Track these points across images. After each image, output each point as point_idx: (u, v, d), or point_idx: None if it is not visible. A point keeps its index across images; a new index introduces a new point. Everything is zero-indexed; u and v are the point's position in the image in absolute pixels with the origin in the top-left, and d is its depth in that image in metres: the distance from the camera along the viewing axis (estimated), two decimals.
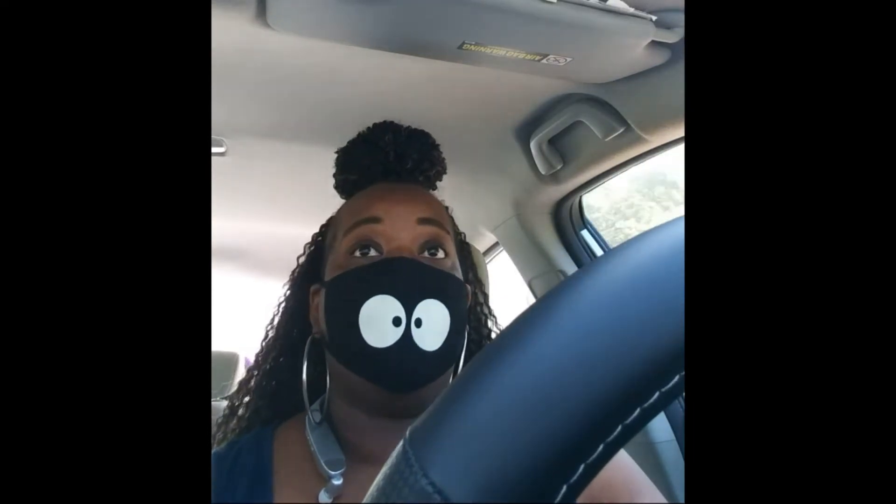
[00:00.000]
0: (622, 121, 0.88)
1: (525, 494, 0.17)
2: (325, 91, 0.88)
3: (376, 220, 0.58)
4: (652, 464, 1.08)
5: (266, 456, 0.59)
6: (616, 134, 0.90)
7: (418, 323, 0.54)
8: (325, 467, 0.55)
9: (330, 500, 0.54)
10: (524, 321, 0.20)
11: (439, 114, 0.95)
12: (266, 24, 0.66)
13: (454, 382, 0.20)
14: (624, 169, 1.04)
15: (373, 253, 0.58)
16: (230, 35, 0.70)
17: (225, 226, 1.53)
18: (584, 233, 1.25)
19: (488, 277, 1.00)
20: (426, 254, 0.59)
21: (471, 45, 0.68)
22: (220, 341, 2.12)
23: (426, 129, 0.69)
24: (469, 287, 0.65)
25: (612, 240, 1.33)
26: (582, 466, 0.17)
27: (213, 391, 1.47)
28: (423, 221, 0.59)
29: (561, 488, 0.17)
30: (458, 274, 0.61)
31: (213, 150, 1.05)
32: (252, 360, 0.69)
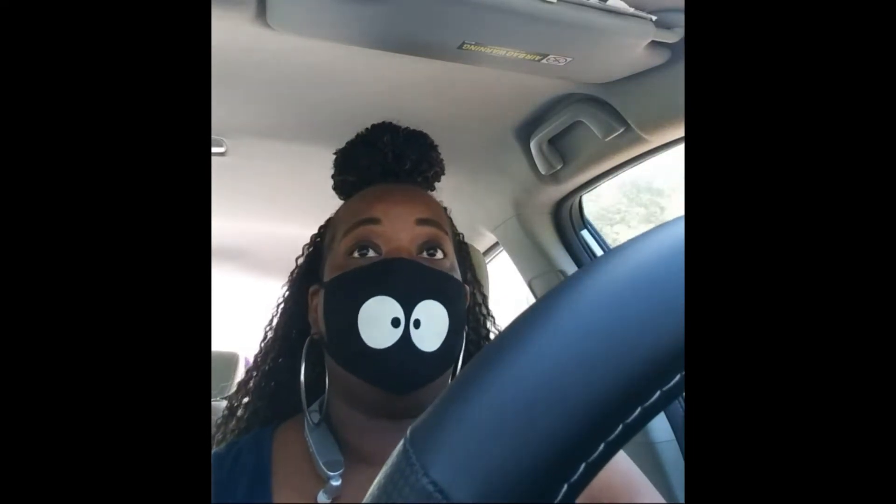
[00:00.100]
0: (622, 121, 0.88)
1: (526, 493, 0.17)
2: (325, 91, 0.88)
3: (375, 221, 0.58)
4: (652, 464, 1.08)
5: (265, 456, 0.59)
6: (616, 134, 0.90)
7: (417, 324, 0.54)
8: (324, 468, 0.55)
9: (328, 501, 0.54)
10: (524, 321, 0.20)
11: (439, 114, 0.95)
12: (266, 24, 0.66)
13: (455, 382, 0.20)
14: (624, 169, 1.04)
15: (372, 254, 0.58)
16: (230, 35, 0.70)
17: (225, 226, 1.53)
18: (584, 233, 1.26)
19: (488, 278, 1.00)
20: (425, 254, 0.59)
21: (471, 45, 0.68)
22: (220, 341, 2.12)
23: (426, 129, 0.69)
24: (468, 287, 0.65)
25: None
26: (583, 466, 0.18)
27: (213, 391, 1.47)
28: (422, 222, 0.59)
29: (562, 487, 0.17)
30: (457, 274, 0.61)
31: (213, 150, 1.05)
32: (252, 360, 0.69)
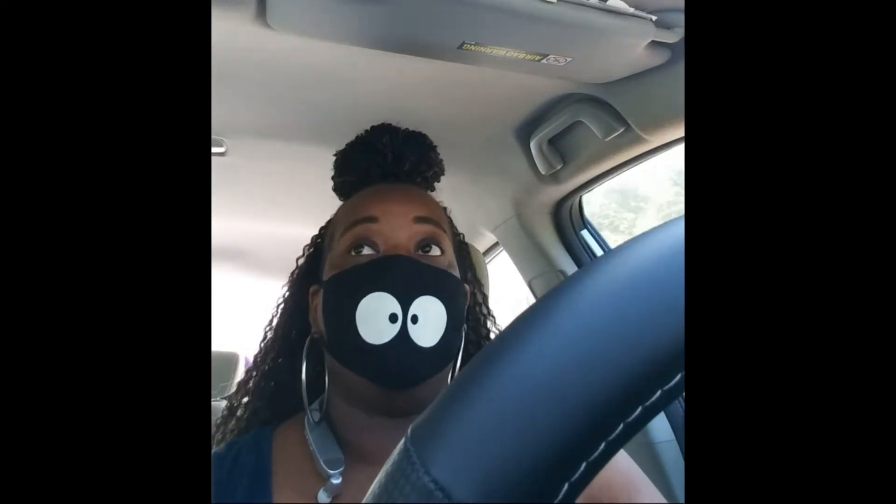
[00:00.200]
0: (622, 121, 0.88)
1: (526, 492, 0.17)
2: (325, 91, 0.88)
3: (373, 219, 0.58)
4: (652, 464, 1.08)
5: (265, 456, 0.59)
6: (616, 134, 0.90)
7: (414, 319, 0.54)
8: (325, 467, 0.55)
9: (329, 500, 0.54)
10: (525, 321, 0.20)
11: (439, 114, 0.95)
12: (266, 24, 0.66)
13: (455, 380, 0.20)
14: (624, 169, 1.04)
15: (370, 252, 0.58)
16: (230, 35, 0.70)
17: (225, 226, 1.53)
18: (584, 233, 1.26)
19: (488, 278, 1.00)
20: (422, 252, 0.59)
21: (471, 45, 0.68)
22: (220, 341, 2.12)
23: (426, 129, 0.70)
24: (468, 286, 0.65)
25: None
26: (583, 465, 0.18)
27: (213, 391, 1.47)
28: (420, 220, 0.59)
29: (562, 486, 0.17)
30: (456, 272, 0.61)
31: (213, 150, 1.05)
32: (251, 360, 0.69)
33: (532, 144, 1.03)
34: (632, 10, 0.66)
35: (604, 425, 0.18)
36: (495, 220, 1.28)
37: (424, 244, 0.59)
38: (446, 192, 0.70)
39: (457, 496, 0.17)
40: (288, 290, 0.68)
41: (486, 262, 1.29)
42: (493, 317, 0.72)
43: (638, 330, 0.18)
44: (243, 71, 0.81)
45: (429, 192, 0.67)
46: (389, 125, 0.68)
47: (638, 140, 0.91)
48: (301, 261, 0.68)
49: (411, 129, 0.69)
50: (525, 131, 1.04)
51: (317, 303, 0.62)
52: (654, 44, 0.71)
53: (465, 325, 0.62)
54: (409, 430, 0.20)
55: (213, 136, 1.02)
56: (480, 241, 1.38)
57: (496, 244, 1.40)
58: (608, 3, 0.65)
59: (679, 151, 0.95)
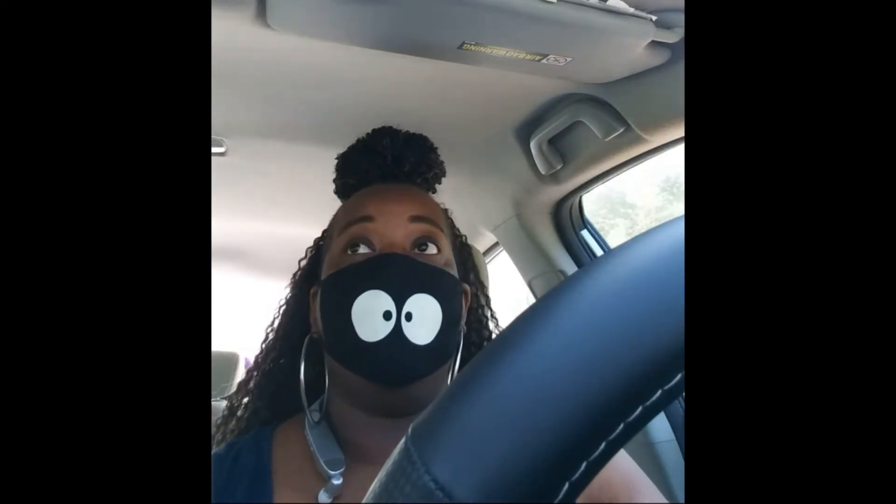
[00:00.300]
0: (622, 121, 0.88)
1: (527, 492, 0.17)
2: (325, 91, 0.88)
3: (369, 218, 0.59)
4: (652, 464, 1.08)
5: (265, 456, 0.59)
6: (616, 134, 0.90)
7: (409, 317, 0.54)
8: (325, 467, 0.55)
9: (329, 500, 0.54)
10: (525, 321, 0.20)
11: (439, 114, 0.95)
12: (266, 24, 0.66)
13: (456, 380, 0.20)
14: (624, 169, 1.04)
15: (366, 250, 0.58)
16: (230, 35, 0.70)
17: (225, 226, 1.53)
18: (584, 233, 1.26)
19: (488, 278, 1.00)
20: (417, 250, 0.59)
21: (471, 45, 0.68)
22: (220, 341, 2.12)
23: (426, 129, 0.70)
24: (469, 288, 0.65)
25: None
26: (584, 464, 0.18)
27: (213, 391, 1.47)
28: (416, 219, 0.59)
29: (563, 486, 0.17)
30: (453, 271, 0.61)
31: (213, 150, 1.05)
32: (252, 360, 0.69)
33: (532, 144, 1.03)
34: (632, 10, 0.66)
35: (604, 425, 0.18)
36: (495, 221, 1.28)
37: (420, 243, 0.59)
38: (446, 192, 0.70)
39: (457, 496, 0.17)
40: (290, 292, 0.68)
41: (486, 262, 1.29)
42: (495, 319, 0.72)
43: (638, 330, 0.18)
44: (243, 71, 0.81)
45: (428, 193, 0.67)
46: (390, 128, 0.69)
47: (638, 140, 0.91)
48: (303, 262, 0.68)
49: (411, 129, 0.69)
50: (525, 131, 1.04)
51: (316, 303, 0.62)
52: (654, 44, 0.71)
53: (463, 325, 0.62)
54: (409, 430, 0.20)
55: (213, 136, 1.02)
56: (480, 241, 1.38)
57: (496, 244, 1.40)
58: (608, 3, 0.65)
59: (668, 155, 0.96)
